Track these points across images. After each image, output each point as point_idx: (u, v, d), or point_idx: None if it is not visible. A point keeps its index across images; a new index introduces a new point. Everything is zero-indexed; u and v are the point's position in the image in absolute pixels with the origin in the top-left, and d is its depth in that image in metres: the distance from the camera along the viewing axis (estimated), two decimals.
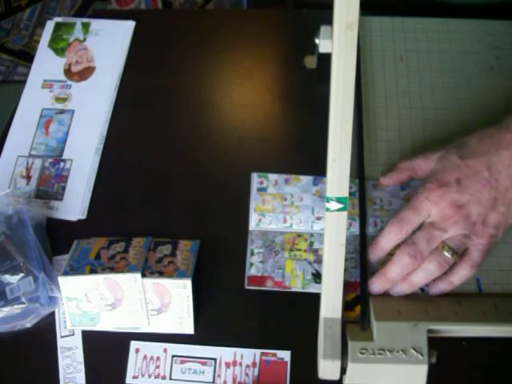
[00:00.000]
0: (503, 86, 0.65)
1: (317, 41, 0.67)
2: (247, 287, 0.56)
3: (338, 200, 0.46)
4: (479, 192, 0.51)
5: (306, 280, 0.56)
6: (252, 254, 0.57)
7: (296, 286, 0.55)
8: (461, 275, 0.53)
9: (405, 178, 0.58)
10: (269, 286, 0.56)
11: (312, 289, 0.55)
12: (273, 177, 0.61)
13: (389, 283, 0.53)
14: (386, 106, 0.65)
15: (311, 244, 0.57)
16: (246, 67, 0.71)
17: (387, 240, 0.54)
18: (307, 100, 0.68)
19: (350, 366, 0.49)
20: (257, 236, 0.58)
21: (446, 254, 0.52)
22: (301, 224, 0.58)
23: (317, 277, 0.55)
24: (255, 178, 0.61)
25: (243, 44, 0.73)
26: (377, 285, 0.54)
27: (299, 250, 0.57)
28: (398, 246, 0.54)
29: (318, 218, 0.58)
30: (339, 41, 0.39)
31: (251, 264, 0.57)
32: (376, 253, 0.55)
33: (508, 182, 0.51)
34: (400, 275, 0.53)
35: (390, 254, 0.55)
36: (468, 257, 0.53)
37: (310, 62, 0.70)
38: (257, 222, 0.58)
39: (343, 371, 0.50)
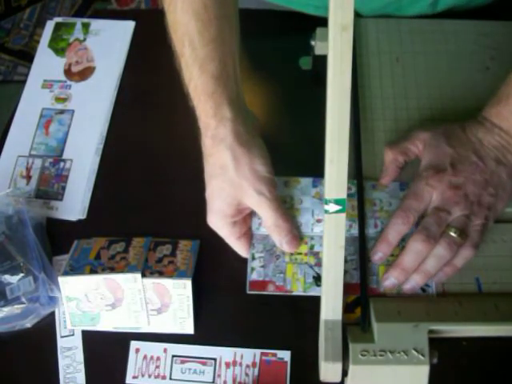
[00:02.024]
0: (499, 86, 0.65)
1: (312, 42, 0.67)
2: (249, 292, 0.56)
3: (336, 202, 0.46)
4: (472, 174, 0.55)
5: (307, 283, 0.55)
6: (253, 258, 0.57)
7: (297, 290, 0.55)
8: (463, 256, 0.54)
9: (402, 163, 0.59)
10: (270, 291, 0.55)
11: (313, 292, 0.55)
12: None
13: (404, 274, 0.54)
14: (383, 108, 0.65)
15: (312, 247, 0.57)
16: (243, 68, 0.71)
17: (395, 231, 0.55)
18: (303, 101, 0.68)
19: (352, 368, 0.49)
20: (257, 240, 0.58)
21: (452, 234, 0.53)
22: (301, 227, 0.58)
23: (318, 280, 0.55)
24: None
25: (240, 44, 0.72)
26: (392, 279, 0.54)
27: (300, 253, 0.57)
28: (399, 247, 0.55)
29: (319, 221, 0.58)
30: (335, 43, 0.39)
31: (252, 269, 0.56)
32: (382, 249, 0.55)
33: (493, 165, 0.56)
34: (415, 264, 0.53)
35: (392, 255, 0.56)
36: (468, 238, 0.54)
37: (306, 63, 0.70)
38: (257, 225, 0.58)
39: (345, 373, 0.50)
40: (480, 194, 0.55)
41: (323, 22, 0.42)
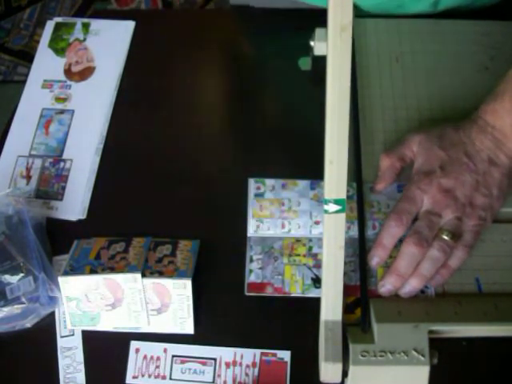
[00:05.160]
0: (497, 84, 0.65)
1: (311, 43, 0.67)
2: (247, 294, 0.55)
3: (336, 202, 0.46)
4: (462, 175, 0.55)
5: (305, 285, 0.55)
6: (251, 260, 0.57)
7: (296, 292, 0.55)
8: (457, 257, 0.54)
9: (398, 169, 0.59)
10: (268, 293, 0.55)
11: (312, 294, 0.55)
12: (270, 182, 0.60)
13: (400, 280, 0.54)
14: (382, 108, 0.65)
15: (310, 249, 0.57)
16: (243, 68, 0.71)
17: (389, 234, 0.55)
18: (303, 102, 0.68)
19: (352, 369, 0.49)
20: (255, 242, 0.58)
21: (445, 237, 0.53)
22: (299, 229, 0.57)
23: (316, 282, 0.55)
24: (252, 184, 0.60)
25: (240, 45, 0.73)
26: (388, 285, 0.54)
27: (298, 255, 0.57)
28: (397, 250, 0.55)
29: (317, 223, 0.58)
30: (334, 43, 0.39)
31: (250, 271, 0.56)
32: (378, 253, 0.55)
33: (485, 165, 0.55)
34: (410, 268, 0.53)
35: (391, 257, 0.55)
36: (461, 238, 0.54)
37: (305, 63, 0.70)
38: (255, 228, 0.58)
39: (345, 374, 0.50)
40: (471, 196, 0.55)
41: (322, 22, 0.42)
